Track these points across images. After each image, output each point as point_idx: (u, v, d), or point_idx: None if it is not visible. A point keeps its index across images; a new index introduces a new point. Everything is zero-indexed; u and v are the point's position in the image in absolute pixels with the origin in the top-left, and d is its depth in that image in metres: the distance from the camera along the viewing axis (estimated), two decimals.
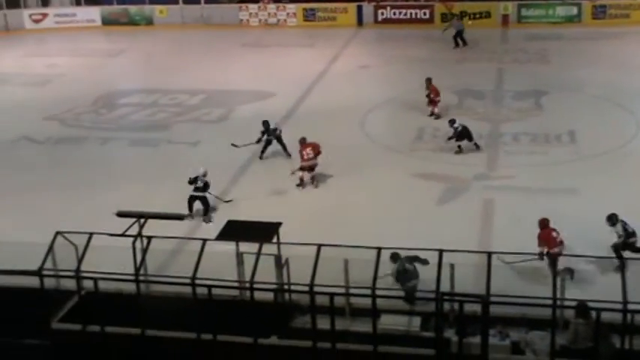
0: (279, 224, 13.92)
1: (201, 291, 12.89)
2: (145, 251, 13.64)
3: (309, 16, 38.74)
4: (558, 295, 12.18)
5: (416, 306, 13.33)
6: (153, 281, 13.96)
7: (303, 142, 19.66)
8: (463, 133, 21.07)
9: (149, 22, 39.92)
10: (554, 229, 14.59)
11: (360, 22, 37.68)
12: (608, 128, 22.56)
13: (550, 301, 11.95)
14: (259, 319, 12.81)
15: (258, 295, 12.90)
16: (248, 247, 13.45)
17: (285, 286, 13.59)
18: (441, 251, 12.35)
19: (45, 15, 40.06)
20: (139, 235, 13.85)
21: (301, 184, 19.37)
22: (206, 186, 17.92)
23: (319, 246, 12.67)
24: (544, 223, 14.64)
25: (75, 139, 23.80)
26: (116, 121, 25.60)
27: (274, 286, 13.41)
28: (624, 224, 14.69)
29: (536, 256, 14.19)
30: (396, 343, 12.58)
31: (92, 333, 13.38)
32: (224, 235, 13.90)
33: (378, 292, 12.27)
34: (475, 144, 21.25)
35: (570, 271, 13.45)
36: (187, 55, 33.82)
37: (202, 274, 12.89)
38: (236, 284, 13.51)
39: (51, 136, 24.20)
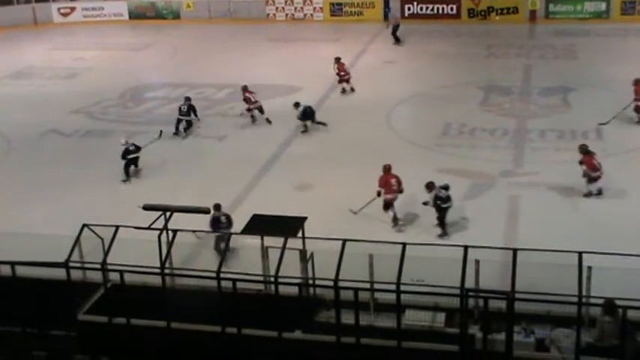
0: (304, 219, 13.96)
1: (226, 284, 12.94)
2: (170, 244, 13.71)
3: (335, 10, 38.68)
4: (584, 293, 12.10)
5: (440, 301, 13.28)
6: (178, 274, 14.04)
7: (388, 171, 17.38)
8: (307, 113, 22.74)
9: (176, 15, 40.06)
10: None
11: (386, 17, 37.55)
12: (636, 125, 22.31)
13: (576, 299, 11.87)
14: (284, 313, 12.84)
15: (282, 289, 12.93)
16: (273, 242, 13.47)
17: (310, 281, 13.61)
18: (466, 247, 12.31)
19: (73, 9, 40.34)
20: (165, 228, 13.93)
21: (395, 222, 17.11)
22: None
23: (344, 241, 12.67)
24: None
25: (102, 132, 23.97)
26: (143, 115, 25.75)
27: (299, 281, 13.43)
28: (438, 192, 16.50)
29: None
30: (420, 339, 12.55)
31: (118, 325, 13.47)
32: (249, 230, 13.97)
33: (402, 288, 12.24)
34: (319, 122, 22.87)
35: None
36: (214, 49, 33.91)
37: (227, 268, 12.95)
38: (261, 278, 13.54)
39: (78, 129, 24.39)
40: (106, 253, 13.63)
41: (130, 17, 40.35)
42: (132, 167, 20.31)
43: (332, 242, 12.93)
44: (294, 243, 13.44)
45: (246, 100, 24.17)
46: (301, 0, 38.79)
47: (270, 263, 13.55)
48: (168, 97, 27.33)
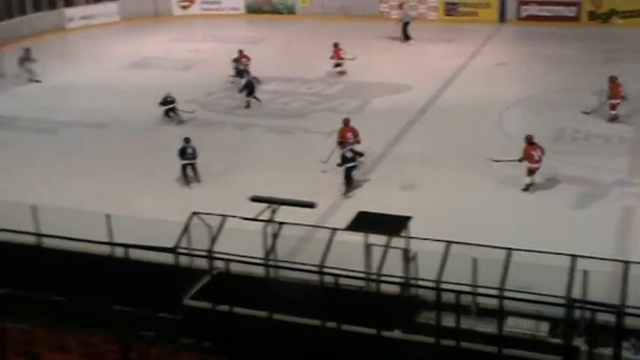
0: (409, 218, 13.90)
1: (328, 279, 13.04)
2: (275, 236, 13.92)
3: (450, 10, 38.23)
4: None
5: (544, 310, 12.98)
6: (282, 266, 14.21)
7: (530, 141, 18.77)
8: (248, 86, 25.12)
9: (291, 11, 40.51)
10: None
11: (502, 18, 36.91)
12: None
13: None
14: (384, 311, 12.84)
15: (384, 287, 12.95)
16: (377, 239, 13.49)
17: (412, 281, 13.55)
18: (573, 256, 12.01)
19: (192, 2, 41.36)
20: (271, 220, 14.14)
21: (527, 188, 18.69)
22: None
23: (448, 243, 12.57)
24: None
25: (214, 123, 24.53)
26: (254, 108, 26.16)
27: (401, 280, 13.40)
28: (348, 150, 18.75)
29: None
30: (522, 347, 12.31)
31: (221, 312, 13.77)
32: (354, 226, 14.01)
33: (506, 294, 12.04)
34: (255, 97, 25.12)
35: None
36: (326, 45, 34.08)
37: (330, 263, 13.05)
38: (363, 275, 13.58)
39: (192, 118, 25.03)
40: (213, 241, 13.95)
41: (247, 11, 40.97)
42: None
43: (436, 243, 12.84)
44: (398, 242, 13.42)
45: (336, 56, 28.27)
46: None
47: (372, 261, 13.57)
48: (279, 91, 27.71)
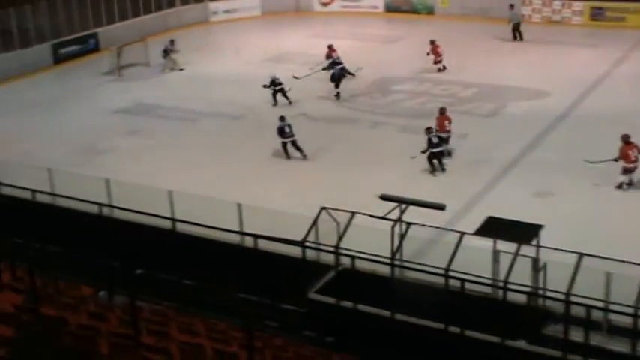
0: (540, 227, 13.58)
1: (454, 283, 12.92)
2: (402, 236, 13.89)
3: (595, 14, 36.97)
4: None
5: None
6: (407, 267, 14.17)
7: (626, 140, 18.86)
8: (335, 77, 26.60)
9: (430, 11, 40.26)
10: None
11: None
12: None
13: None
14: (510, 320, 12.60)
15: (510, 295, 12.69)
16: (505, 246, 13.24)
17: (540, 291, 13.23)
18: None
19: None
20: (399, 220, 14.12)
21: (621, 186, 18.77)
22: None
23: (581, 255, 12.20)
24: None
25: (348, 120, 24.71)
26: (388, 107, 26.20)
27: (528, 289, 13.11)
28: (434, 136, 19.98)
29: None
30: None
31: (345, 308, 13.88)
32: (483, 231, 13.81)
33: None
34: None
35: None
36: (464, 46, 33.69)
37: (456, 267, 12.91)
38: (490, 281, 13.36)
39: (326, 115, 25.32)
40: (340, 237, 14.08)
41: (386, 10, 41.09)
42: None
43: (567, 254, 12.48)
44: (527, 250, 13.13)
45: (434, 53, 29.29)
46: (560, 2, 37.52)
47: (500, 268, 13.34)
48: (414, 90, 27.62)
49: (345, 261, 14.19)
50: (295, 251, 14.42)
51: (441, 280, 13.09)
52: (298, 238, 14.24)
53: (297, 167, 20.81)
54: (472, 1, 39.12)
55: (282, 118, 21.84)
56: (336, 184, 19.45)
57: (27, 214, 17.51)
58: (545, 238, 13.48)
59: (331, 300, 14.03)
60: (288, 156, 21.56)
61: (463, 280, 12.75)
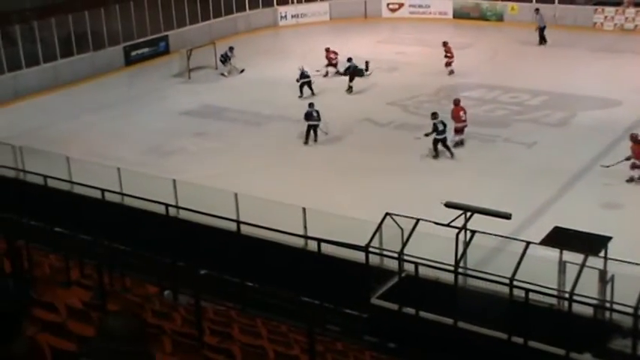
0: (608, 238, 13.32)
1: (518, 293, 12.75)
2: (467, 244, 13.77)
3: None
4: None
5: None
6: (471, 275, 14.02)
7: (636, 140, 19.34)
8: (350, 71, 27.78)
9: (499, 18, 39.86)
10: None
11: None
12: None
13: None
14: (575, 332, 12.38)
15: (576, 307, 12.47)
16: (572, 257, 13.02)
17: (607, 304, 12.96)
18: None
19: (401, 5, 41.73)
20: (464, 227, 14.00)
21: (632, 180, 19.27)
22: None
23: None
24: None
25: (414, 126, 24.59)
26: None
27: (595, 302, 12.85)
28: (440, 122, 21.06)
29: None
30: None
31: (407, 315, 13.81)
32: (549, 241, 13.61)
33: None
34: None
35: None
36: (533, 54, 33.25)
37: (521, 277, 12.74)
38: (555, 293, 13.15)
39: (392, 120, 25.26)
40: (404, 244, 14.03)
41: (454, 17, 40.84)
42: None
43: (635, 267, 12.20)
44: (595, 262, 12.89)
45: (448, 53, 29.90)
46: (633, 10, 36.70)
47: (566, 279, 13.11)
48: (482, 98, 27.35)
49: (409, 267, 14.12)
50: (359, 256, 14.42)
51: (505, 289, 12.93)
52: (362, 243, 14.24)
53: (362, 173, 20.77)
54: (545, 8, 38.50)
55: (311, 105, 23.35)
56: (400, 190, 19.39)
57: (96, 212, 17.90)
58: (612, 249, 13.21)
59: (394, 306, 13.98)
60: (307, 140, 22.89)
61: (528, 291, 12.57)
